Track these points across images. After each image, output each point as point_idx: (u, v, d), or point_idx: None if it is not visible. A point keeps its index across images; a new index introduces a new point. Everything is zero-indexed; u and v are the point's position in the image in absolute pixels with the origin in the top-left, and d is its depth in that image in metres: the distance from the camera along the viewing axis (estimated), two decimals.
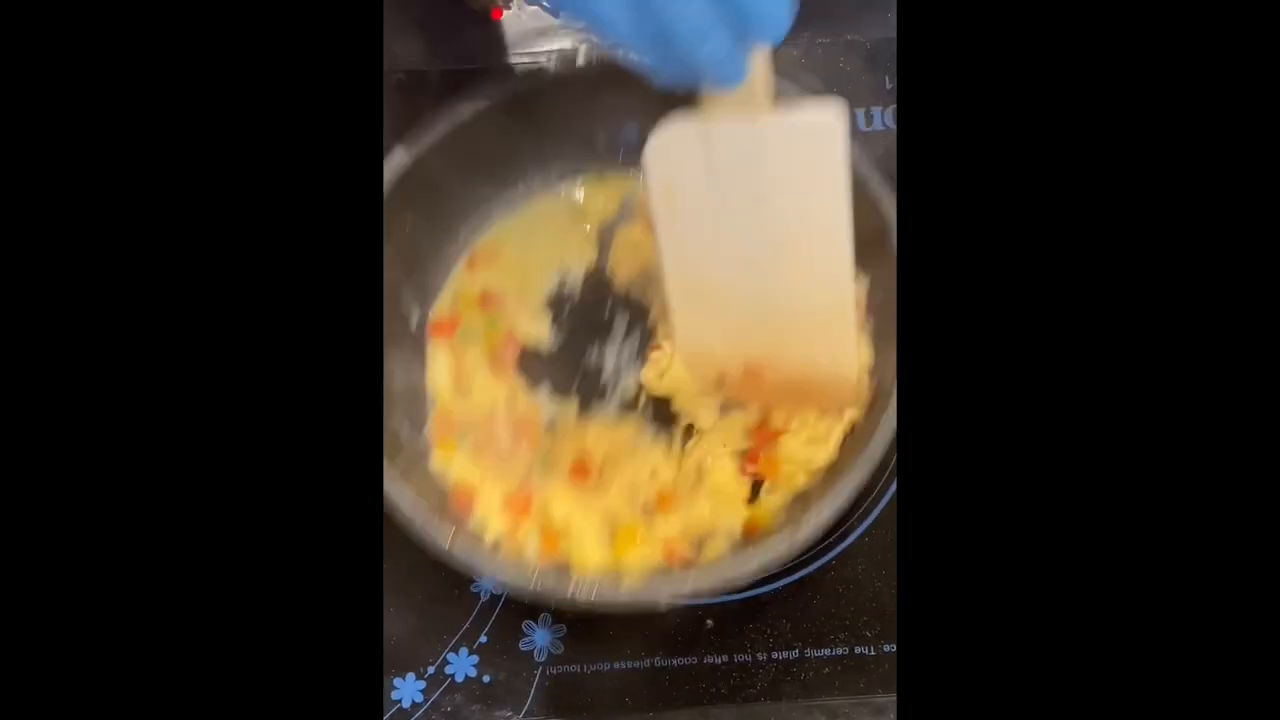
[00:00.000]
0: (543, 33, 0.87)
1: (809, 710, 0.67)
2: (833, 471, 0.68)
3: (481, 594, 0.70)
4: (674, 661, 0.68)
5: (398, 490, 0.62)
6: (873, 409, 0.68)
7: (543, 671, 0.68)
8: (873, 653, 0.68)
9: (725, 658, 0.68)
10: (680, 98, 0.60)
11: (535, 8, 0.87)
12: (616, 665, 0.68)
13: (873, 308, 0.72)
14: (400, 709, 0.67)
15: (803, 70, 0.85)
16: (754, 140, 0.61)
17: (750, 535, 0.68)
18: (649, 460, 0.71)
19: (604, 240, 0.80)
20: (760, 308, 0.68)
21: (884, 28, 0.88)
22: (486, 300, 0.77)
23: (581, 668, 0.68)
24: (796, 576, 0.70)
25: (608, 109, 0.75)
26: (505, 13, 0.88)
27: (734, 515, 0.69)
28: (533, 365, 0.76)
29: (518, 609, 0.70)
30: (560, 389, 0.75)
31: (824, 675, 0.68)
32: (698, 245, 0.67)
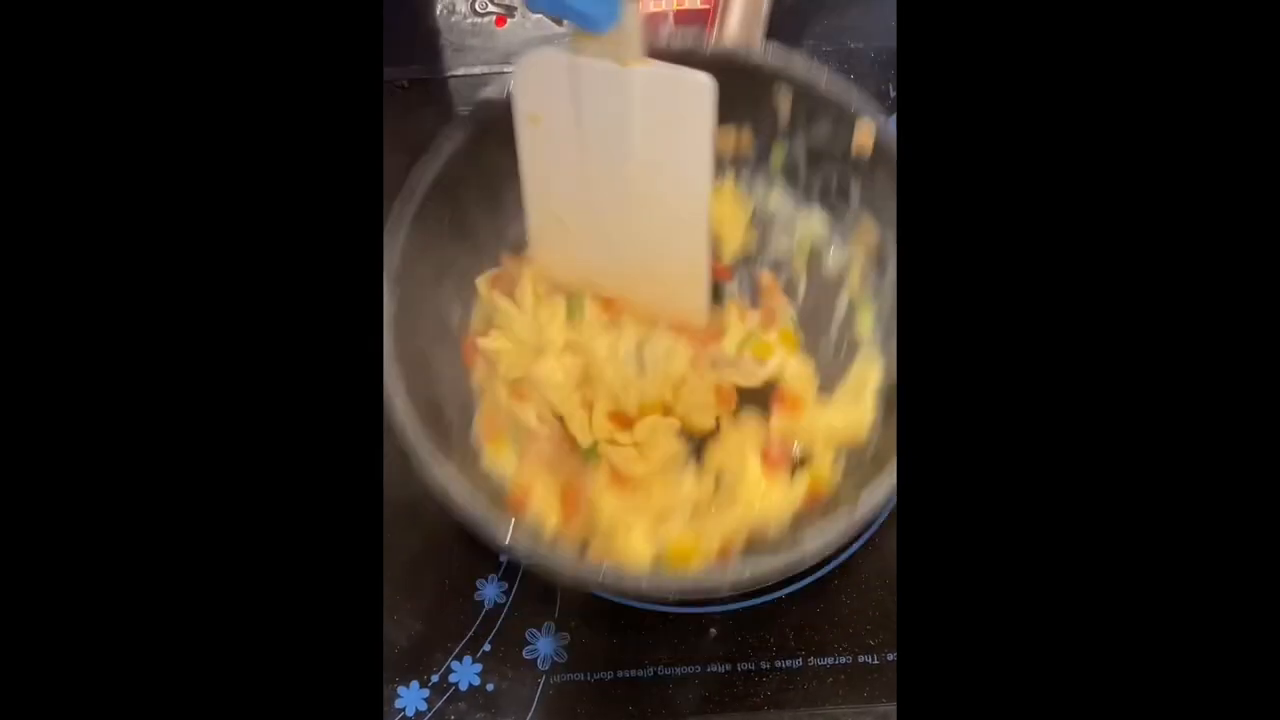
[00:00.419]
0: (547, 40, 0.87)
1: (812, 719, 0.67)
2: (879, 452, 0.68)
3: (485, 602, 0.70)
4: (677, 670, 0.68)
5: (455, 486, 0.62)
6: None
7: (546, 680, 0.68)
8: (876, 661, 0.68)
9: (729, 666, 0.68)
10: None
11: (539, 17, 0.87)
12: (620, 674, 0.68)
13: None
14: (404, 717, 0.67)
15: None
16: (621, 84, 0.61)
17: (814, 502, 0.68)
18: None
19: None
20: (615, 249, 0.69)
21: (888, 37, 0.88)
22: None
23: (585, 676, 0.68)
24: (800, 585, 0.70)
25: None
26: (509, 21, 0.88)
27: (779, 506, 0.68)
28: None
29: (522, 617, 0.70)
30: None
31: (827, 684, 0.68)
32: (558, 175, 0.67)
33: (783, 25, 0.83)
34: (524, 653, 0.69)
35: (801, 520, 0.67)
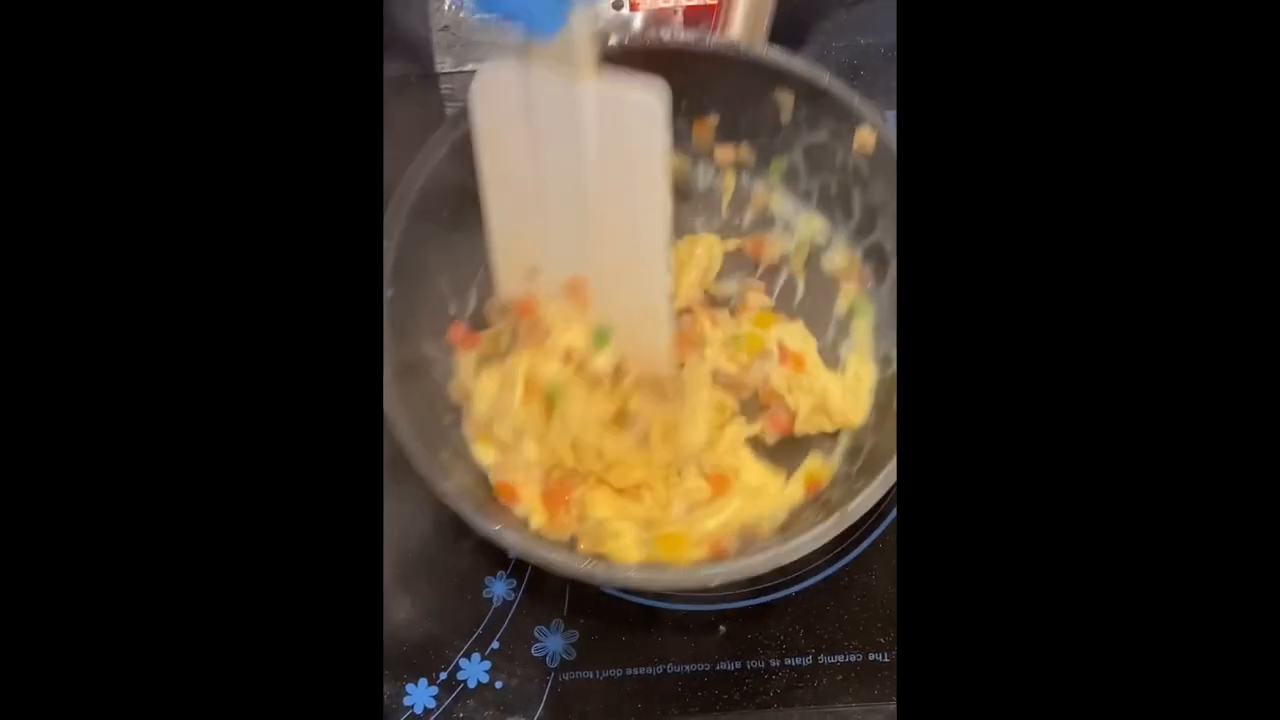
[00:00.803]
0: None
1: (822, 717, 0.67)
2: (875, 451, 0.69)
3: (494, 599, 0.70)
4: (686, 668, 0.68)
5: (441, 480, 0.62)
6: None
7: (555, 677, 0.68)
8: (885, 659, 0.68)
9: (738, 664, 0.68)
10: None
11: None
12: (629, 671, 0.68)
13: None
14: (413, 714, 0.67)
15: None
16: (571, 100, 0.60)
17: (813, 496, 0.69)
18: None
19: None
20: (573, 260, 0.68)
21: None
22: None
23: (594, 674, 0.68)
24: (810, 583, 0.70)
25: None
26: None
27: (774, 504, 0.68)
28: None
29: (530, 615, 0.70)
30: None
31: (837, 682, 0.67)
32: (518, 186, 0.66)
33: (790, 21, 0.82)
34: (532, 650, 0.69)
35: (798, 515, 0.68)
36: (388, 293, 0.66)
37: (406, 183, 0.68)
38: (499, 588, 0.70)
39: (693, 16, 0.86)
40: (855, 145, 0.71)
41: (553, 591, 0.70)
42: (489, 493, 0.68)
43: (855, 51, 0.87)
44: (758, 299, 0.75)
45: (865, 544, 0.71)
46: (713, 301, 0.76)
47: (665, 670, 0.68)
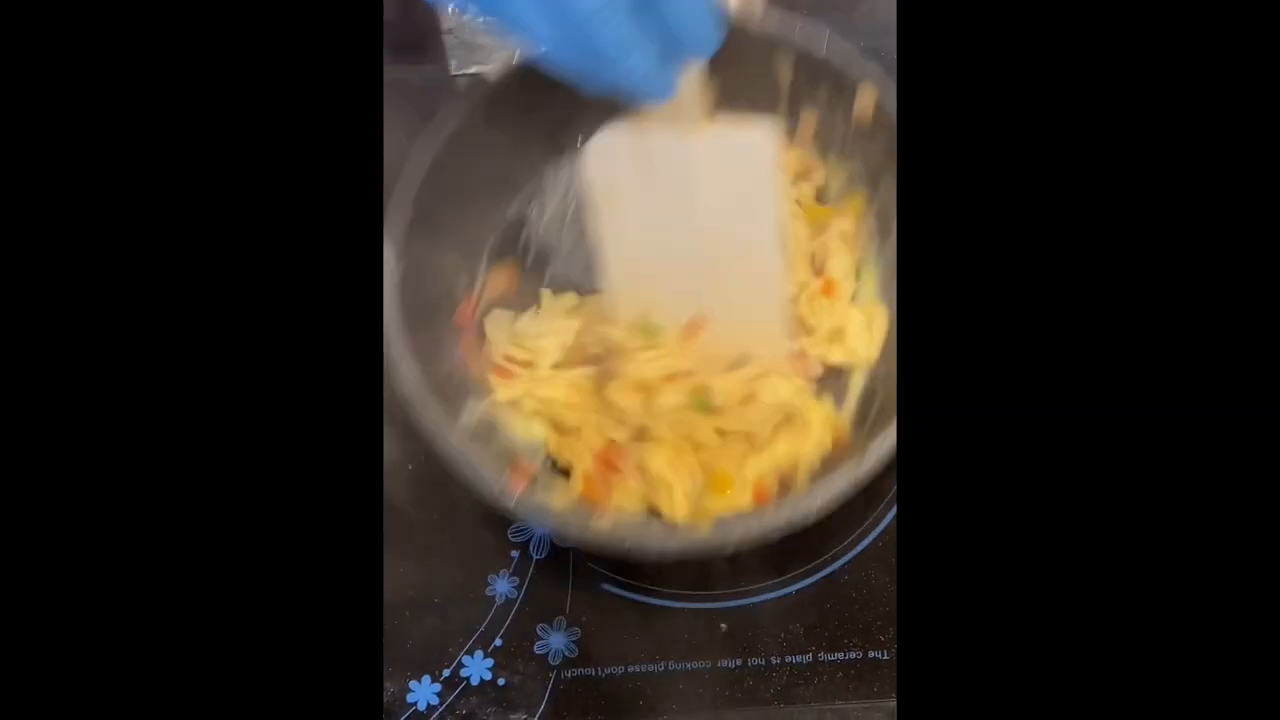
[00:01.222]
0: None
1: (822, 714, 0.67)
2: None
3: (497, 597, 0.70)
4: (688, 665, 0.69)
5: (462, 452, 0.63)
6: None
7: (557, 674, 0.68)
8: (886, 657, 0.68)
9: (739, 661, 0.68)
10: None
11: None
12: (631, 669, 0.69)
13: None
14: (416, 711, 0.68)
15: None
16: (685, 154, 0.62)
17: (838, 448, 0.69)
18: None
19: None
20: (692, 302, 0.69)
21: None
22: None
23: (596, 671, 0.69)
24: (810, 581, 0.70)
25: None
26: None
27: (813, 444, 0.69)
28: None
29: (533, 612, 0.70)
30: None
31: (837, 679, 0.68)
32: (635, 246, 0.68)
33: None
34: (535, 647, 0.69)
35: (829, 464, 0.68)
36: (399, 269, 0.66)
37: (417, 158, 0.68)
38: (502, 585, 0.71)
39: None
40: (855, 110, 0.71)
41: (555, 589, 0.70)
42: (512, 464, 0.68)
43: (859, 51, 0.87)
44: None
45: (865, 542, 0.71)
46: None
47: (667, 668, 0.68)
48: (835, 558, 0.71)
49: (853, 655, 0.68)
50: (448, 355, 0.72)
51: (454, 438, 0.64)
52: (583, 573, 0.71)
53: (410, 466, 0.72)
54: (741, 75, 0.71)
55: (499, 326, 0.74)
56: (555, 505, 0.65)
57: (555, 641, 0.69)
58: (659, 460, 0.67)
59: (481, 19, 0.80)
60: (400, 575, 0.71)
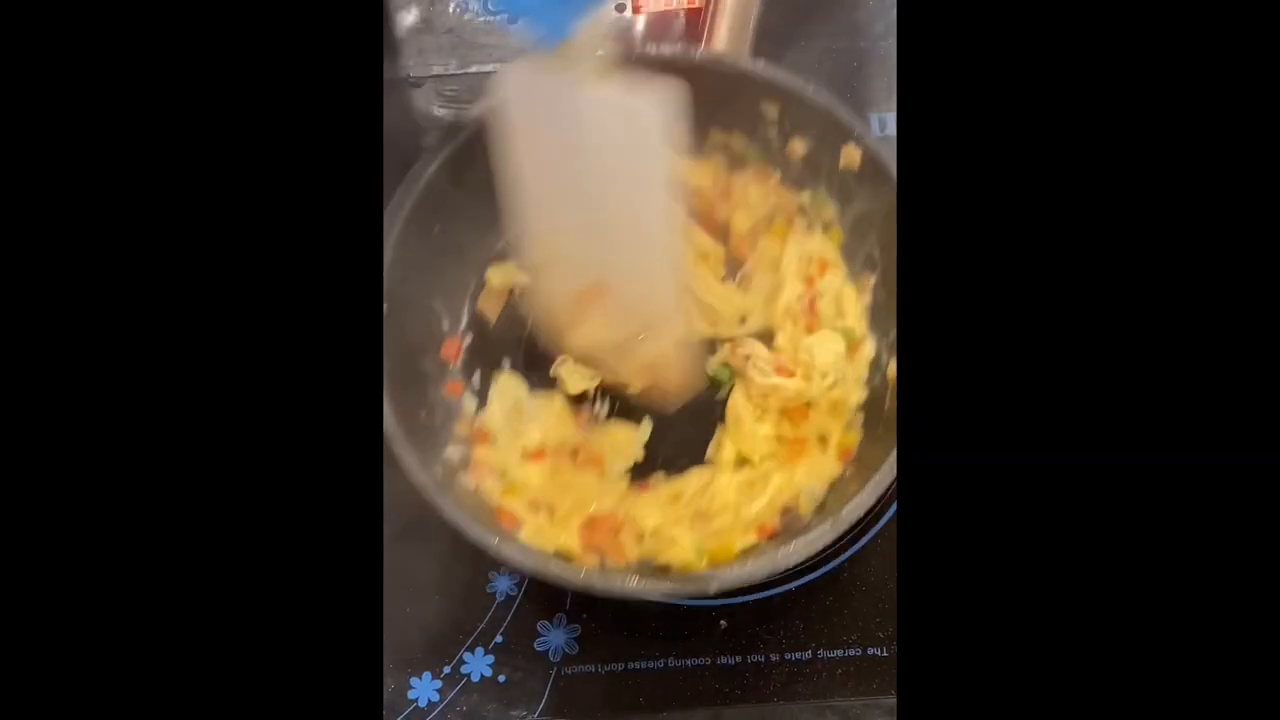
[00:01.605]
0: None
1: (821, 711, 0.67)
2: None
3: (497, 594, 0.71)
4: (688, 662, 0.69)
5: (440, 501, 0.63)
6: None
7: (558, 672, 0.69)
8: (885, 654, 0.68)
9: (739, 658, 0.69)
10: None
11: None
12: (631, 666, 0.69)
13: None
14: (417, 708, 0.68)
15: (815, 73, 0.85)
16: (576, 104, 0.61)
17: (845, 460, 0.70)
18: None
19: None
20: (591, 263, 0.68)
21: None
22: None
23: (596, 668, 0.69)
24: (810, 578, 0.70)
25: None
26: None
27: (815, 475, 0.69)
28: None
29: (533, 609, 0.70)
30: None
31: (837, 676, 0.68)
32: (537, 183, 0.66)
33: (785, 21, 0.84)
34: (535, 644, 0.69)
35: (836, 489, 0.69)
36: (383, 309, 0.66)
37: (398, 200, 0.69)
38: (503, 583, 0.71)
39: (693, 19, 0.87)
40: (842, 162, 0.73)
41: (555, 587, 0.70)
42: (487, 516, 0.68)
43: (854, 54, 0.88)
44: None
45: (865, 539, 0.71)
46: None
47: (667, 664, 0.69)
48: (835, 554, 0.71)
49: (852, 652, 0.69)
50: (431, 397, 0.72)
51: (430, 480, 0.64)
52: None
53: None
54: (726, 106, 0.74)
55: (507, 387, 0.74)
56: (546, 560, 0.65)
57: (555, 638, 0.70)
58: (653, 516, 0.68)
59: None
60: (401, 572, 0.71)
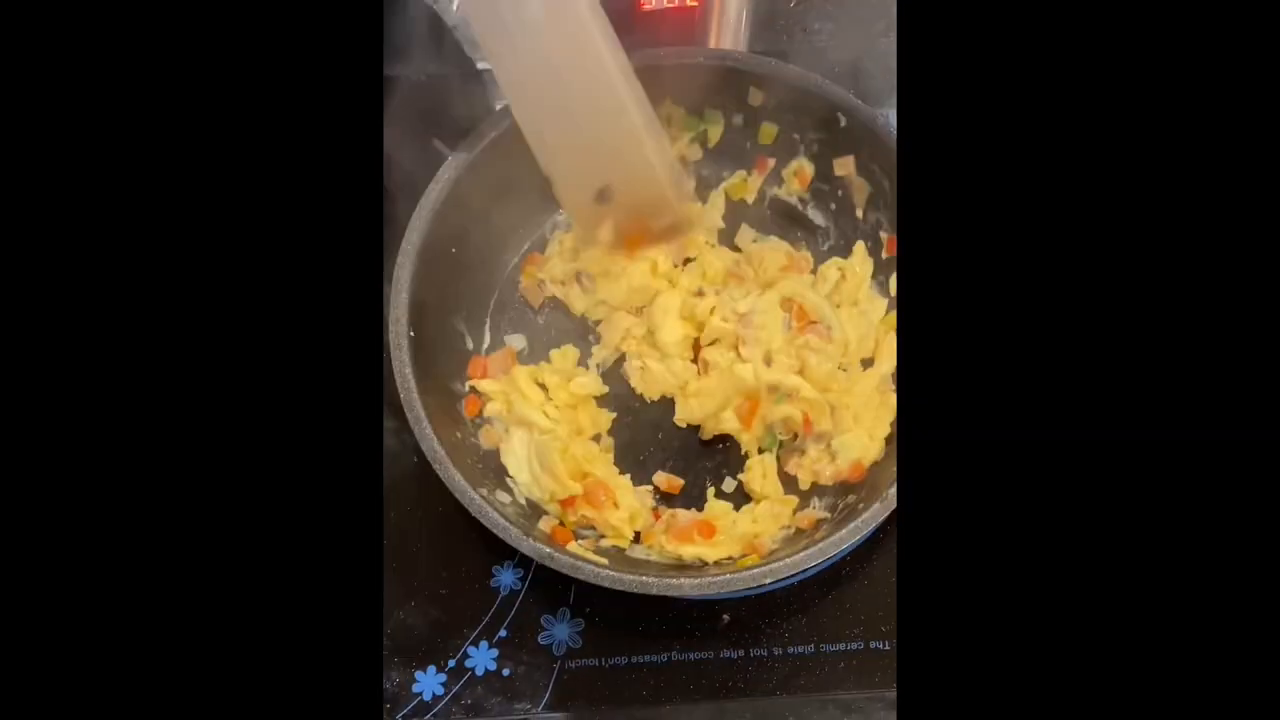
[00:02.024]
0: None
1: (823, 704, 0.67)
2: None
3: (501, 588, 0.71)
4: (690, 656, 0.69)
5: (489, 515, 0.64)
6: None
7: (561, 665, 0.69)
8: (887, 647, 0.68)
9: (741, 652, 0.69)
10: None
11: None
12: (634, 659, 0.69)
13: None
14: (421, 701, 0.68)
15: (827, 66, 0.85)
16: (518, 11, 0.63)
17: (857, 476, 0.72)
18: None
19: None
20: (573, 135, 0.69)
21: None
22: None
23: (599, 662, 0.69)
24: (812, 572, 0.70)
25: None
26: None
27: (778, 522, 0.71)
28: None
29: (537, 604, 0.71)
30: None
31: (839, 670, 0.68)
32: (518, 87, 0.68)
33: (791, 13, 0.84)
34: (539, 638, 0.70)
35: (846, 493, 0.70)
36: (409, 335, 0.68)
37: (412, 225, 0.71)
38: (506, 577, 0.71)
39: (680, 15, 0.87)
40: (837, 172, 0.76)
41: (559, 581, 0.71)
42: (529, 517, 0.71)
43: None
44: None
45: (866, 534, 0.71)
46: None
47: (670, 658, 0.69)
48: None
49: (854, 646, 0.69)
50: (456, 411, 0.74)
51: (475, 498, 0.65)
52: None
53: (415, 459, 0.73)
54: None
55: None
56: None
57: (559, 632, 0.70)
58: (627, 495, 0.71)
59: None
60: (406, 568, 0.71)
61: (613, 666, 0.69)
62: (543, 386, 0.75)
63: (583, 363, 0.77)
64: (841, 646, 0.69)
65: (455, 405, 0.74)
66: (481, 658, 0.69)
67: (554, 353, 0.77)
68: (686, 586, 0.63)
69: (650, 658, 0.69)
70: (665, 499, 0.73)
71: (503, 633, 0.70)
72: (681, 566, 0.68)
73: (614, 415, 0.76)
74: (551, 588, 0.71)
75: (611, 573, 0.63)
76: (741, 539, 0.69)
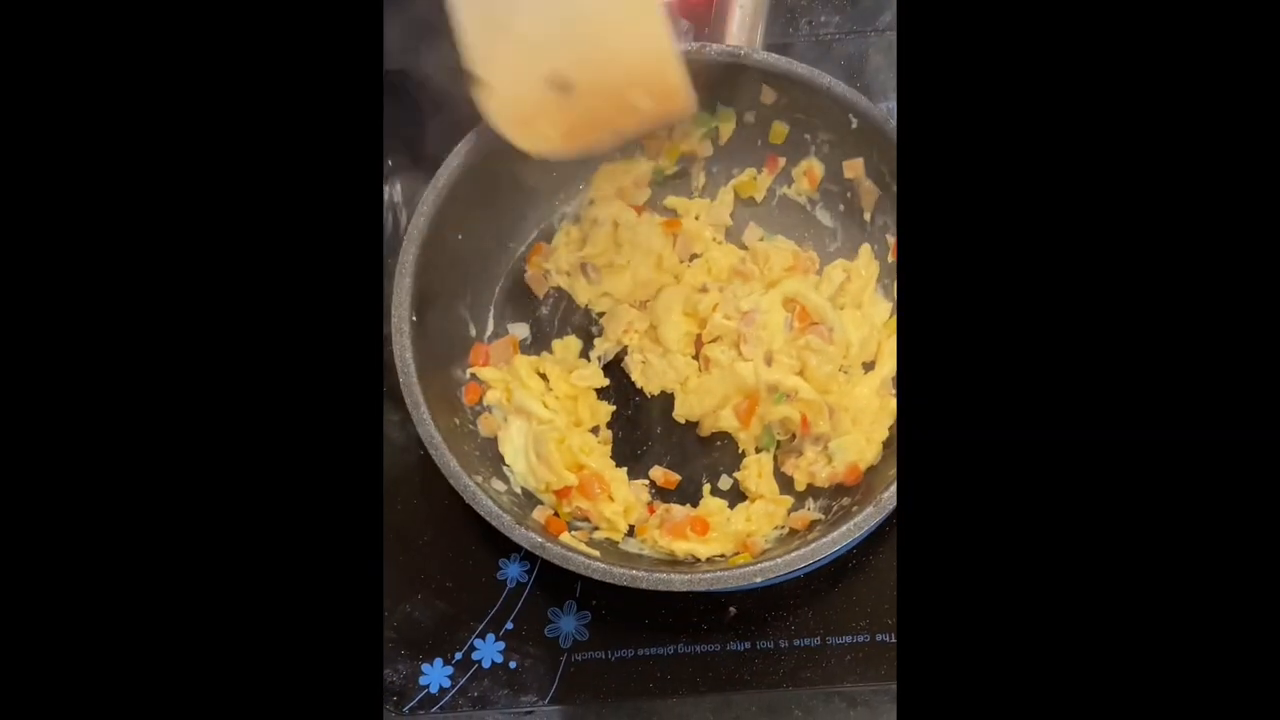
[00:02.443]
0: None
1: (829, 697, 0.68)
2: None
3: (508, 581, 0.71)
4: (697, 648, 0.69)
5: (482, 502, 0.64)
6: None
7: (568, 658, 0.69)
8: (893, 640, 0.68)
9: (748, 645, 0.69)
10: None
11: None
12: (640, 652, 0.69)
13: None
14: (429, 694, 0.68)
15: (829, 57, 0.86)
16: None
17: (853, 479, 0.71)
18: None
19: None
20: (565, 31, 0.64)
21: None
22: None
23: (606, 654, 0.69)
24: (818, 564, 0.70)
25: None
26: None
27: (772, 521, 0.71)
28: None
29: (543, 596, 0.71)
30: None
31: (845, 662, 0.68)
32: None
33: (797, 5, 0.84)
34: (546, 631, 0.70)
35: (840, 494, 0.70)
36: (411, 320, 0.68)
37: (418, 210, 0.70)
38: (513, 570, 0.71)
39: (688, 10, 0.86)
40: (846, 174, 0.76)
41: (565, 574, 0.71)
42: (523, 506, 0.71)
43: (869, 38, 0.88)
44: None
45: (872, 526, 0.71)
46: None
47: (676, 651, 0.69)
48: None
49: (860, 638, 0.69)
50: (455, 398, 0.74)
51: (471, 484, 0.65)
52: None
53: (421, 451, 0.72)
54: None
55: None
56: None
57: (566, 625, 0.70)
58: (622, 488, 0.71)
59: None
60: (412, 560, 0.71)
61: (619, 659, 0.69)
62: (543, 377, 0.75)
63: (584, 354, 0.77)
64: (848, 639, 0.69)
65: (455, 392, 0.74)
66: (488, 650, 0.69)
67: (556, 343, 0.77)
68: (676, 582, 0.62)
69: (657, 650, 0.69)
70: (661, 494, 0.73)
71: (509, 625, 0.70)
72: (674, 562, 0.68)
73: (613, 408, 0.76)
74: (558, 581, 0.71)
75: (602, 565, 0.63)
76: (735, 537, 0.69)
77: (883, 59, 0.85)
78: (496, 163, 0.72)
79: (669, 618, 0.70)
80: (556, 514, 0.71)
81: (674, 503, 0.72)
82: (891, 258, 0.76)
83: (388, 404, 0.67)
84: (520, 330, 0.78)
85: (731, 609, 0.70)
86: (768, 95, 0.76)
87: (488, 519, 0.64)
